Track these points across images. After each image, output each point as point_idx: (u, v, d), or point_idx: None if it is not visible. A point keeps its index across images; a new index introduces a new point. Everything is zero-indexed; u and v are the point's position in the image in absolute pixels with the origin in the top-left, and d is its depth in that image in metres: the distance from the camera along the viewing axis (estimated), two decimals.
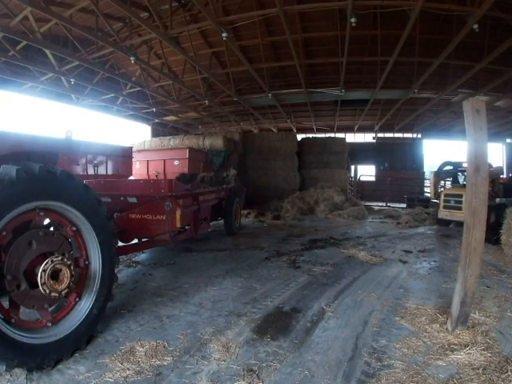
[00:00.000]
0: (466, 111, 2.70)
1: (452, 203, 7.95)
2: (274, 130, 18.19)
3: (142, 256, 5.39)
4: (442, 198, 8.28)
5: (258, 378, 2.15)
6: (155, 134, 16.96)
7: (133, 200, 4.43)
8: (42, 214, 2.34)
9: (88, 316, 2.54)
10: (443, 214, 8.28)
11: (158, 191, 4.39)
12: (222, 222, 7.22)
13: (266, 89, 11.49)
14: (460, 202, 7.58)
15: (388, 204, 14.32)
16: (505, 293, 3.62)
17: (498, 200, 6.81)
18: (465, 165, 7.98)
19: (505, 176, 8.82)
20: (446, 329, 2.77)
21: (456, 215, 7.81)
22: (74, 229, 2.55)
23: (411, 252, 5.76)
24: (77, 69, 9.60)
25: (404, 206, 13.45)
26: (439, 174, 9.44)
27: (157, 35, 7.64)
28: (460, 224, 7.82)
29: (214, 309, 3.28)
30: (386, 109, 15.05)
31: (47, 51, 8.31)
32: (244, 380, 2.12)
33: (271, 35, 9.50)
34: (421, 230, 8.49)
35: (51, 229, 2.57)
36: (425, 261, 5.23)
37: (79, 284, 2.56)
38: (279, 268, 4.74)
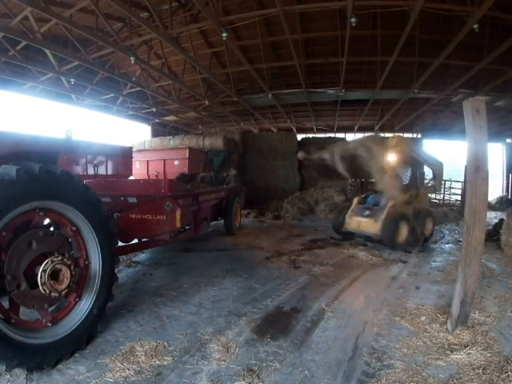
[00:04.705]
0: (465, 111, 2.70)
1: None
2: (274, 130, 18.16)
3: (141, 256, 5.39)
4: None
5: (258, 378, 2.15)
6: (155, 133, 16.92)
7: (133, 200, 4.43)
8: (41, 213, 2.34)
9: (88, 316, 2.54)
10: None
11: (158, 191, 4.39)
12: (222, 221, 7.22)
13: (265, 89, 11.47)
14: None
15: None
16: (505, 293, 3.62)
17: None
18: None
19: None
20: (446, 329, 2.77)
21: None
22: (74, 229, 2.55)
23: (411, 252, 5.76)
24: (77, 69, 9.59)
25: None
26: None
27: (157, 35, 7.62)
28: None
29: (214, 309, 3.28)
30: (386, 109, 15.02)
31: (47, 51, 8.29)
32: (244, 380, 2.13)
33: (271, 35, 9.48)
34: None
35: (51, 229, 2.57)
36: (425, 261, 5.23)
37: (79, 284, 2.56)
38: (279, 268, 4.74)
